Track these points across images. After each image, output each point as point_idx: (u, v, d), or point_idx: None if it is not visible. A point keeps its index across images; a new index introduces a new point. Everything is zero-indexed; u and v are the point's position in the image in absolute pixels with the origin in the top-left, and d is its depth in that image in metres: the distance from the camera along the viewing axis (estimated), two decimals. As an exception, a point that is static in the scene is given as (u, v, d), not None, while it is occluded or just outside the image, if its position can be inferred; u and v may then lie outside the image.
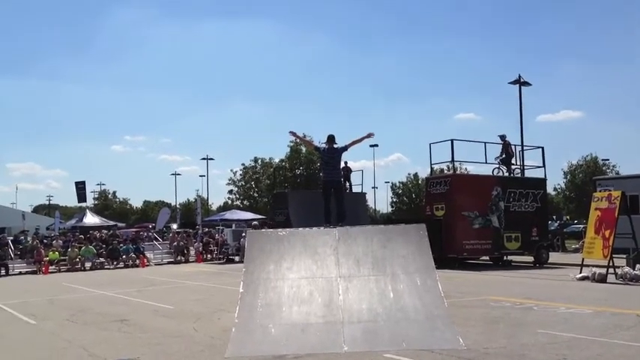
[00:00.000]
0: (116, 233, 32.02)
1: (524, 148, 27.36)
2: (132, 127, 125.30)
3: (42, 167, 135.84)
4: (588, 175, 55.74)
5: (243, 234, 18.33)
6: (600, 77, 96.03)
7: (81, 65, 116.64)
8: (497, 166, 24.49)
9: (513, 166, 25.03)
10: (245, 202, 66.58)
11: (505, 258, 24.16)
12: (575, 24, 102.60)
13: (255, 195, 67.69)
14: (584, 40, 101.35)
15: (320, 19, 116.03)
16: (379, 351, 7.42)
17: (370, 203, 63.53)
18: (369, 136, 10.75)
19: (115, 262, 26.21)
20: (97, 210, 63.42)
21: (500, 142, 24.64)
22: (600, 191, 19.20)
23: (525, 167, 26.34)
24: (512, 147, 25.14)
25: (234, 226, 34.01)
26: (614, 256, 16.88)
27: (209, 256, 30.19)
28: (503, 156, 24.51)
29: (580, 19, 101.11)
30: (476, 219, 22.68)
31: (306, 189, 50.73)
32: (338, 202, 10.51)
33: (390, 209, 77.10)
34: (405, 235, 8.88)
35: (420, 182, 67.52)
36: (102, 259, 26.10)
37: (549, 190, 46.28)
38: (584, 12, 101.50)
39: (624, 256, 17.88)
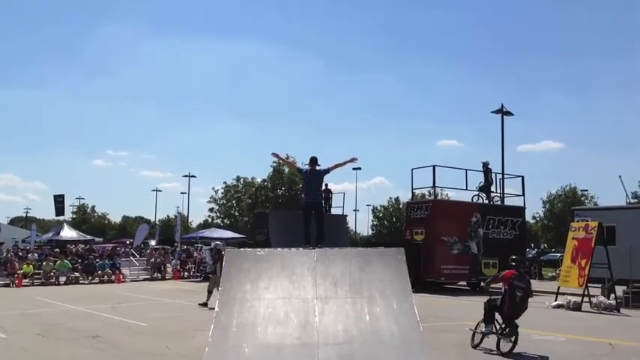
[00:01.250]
0: (92, 248, 31.63)
1: (505, 176, 27.70)
2: (114, 141, 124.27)
3: (21, 179, 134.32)
4: (567, 205, 56.36)
5: (216, 247, 18.30)
6: (581, 110, 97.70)
7: (67, 77, 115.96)
8: (477, 193, 24.72)
9: (493, 194, 25.28)
10: (225, 221, 66.25)
11: (482, 284, 24.24)
12: (558, 55, 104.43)
13: (236, 214, 67.44)
14: (567, 73, 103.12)
15: (309, 41, 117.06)
16: (353, 374, 7.38)
17: (351, 226, 63.63)
18: (353, 160, 10.78)
19: (90, 277, 25.83)
20: (74, 224, 62.55)
21: (482, 168, 24.90)
22: (578, 221, 19.44)
23: (505, 195, 26.63)
24: (493, 174, 25.41)
25: (213, 244, 33.73)
26: (589, 285, 17.06)
27: (186, 273, 29.95)
28: (482, 183, 24.77)
29: (564, 51, 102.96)
30: (455, 244, 22.83)
31: (287, 209, 50.67)
32: (318, 224, 10.51)
33: (370, 232, 77.20)
34: (384, 259, 8.88)
35: (401, 206, 67.75)
36: (77, 274, 25.72)
37: (528, 218, 46.71)
38: (568, 44, 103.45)
39: (599, 285, 18.04)
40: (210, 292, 15.66)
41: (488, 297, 10.35)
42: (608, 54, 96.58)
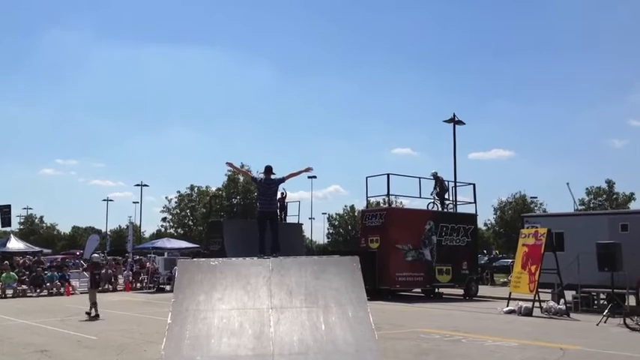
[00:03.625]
0: (41, 259, 30.72)
1: (457, 184, 28.16)
2: (64, 150, 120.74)
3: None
4: (517, 212, 57.59)
5: (93, 259, 18.34)
6: (529, 118, 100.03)
7: (13, 85, 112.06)
8: (433, 200, 25.02)
9: (447, 201, 25.64)
10: (179, 231, 65.43)
11: (436, 290, 24.58)
12: (508, 64, 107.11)
13: (190, 223, 66.67)
14: (515, 81, 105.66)
15: (262, 47, 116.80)
16: (309, 384, 7.34)
17: (307, 234, 63.62)
18: (308, 169, 10.77)
19: (38, 290, 25.04)
20: (22, 235, 60.78)
21: (432, 178, 25.16)
22: (528, 228, 19.84)
23: (457, 203, 27.05)
24: (446, 182, 25.80)
25: (166, 254, 33.24)
26: (539, 290, 17.44)
27: (139, 284, 29.37)
28: (438, 190, 25.08)
29: (513, 59, 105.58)
30: (409, 252, 23.05)
31: (242, 218, 50.36)
32: (273, 234, 10.44)
33: (326, 240, 77.36)
34: (339, 267, 8.87)
35: (356, 214, 68.14)
36: (24, 287, 24.92)
37: (480, 225, 47.55)
38: (518, 54, 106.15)
39: (549, 290, 18.47)
40: (92, 303, 16.37)
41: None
42: (553, 62, 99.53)
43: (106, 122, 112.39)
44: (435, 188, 25.05)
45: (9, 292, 24.17)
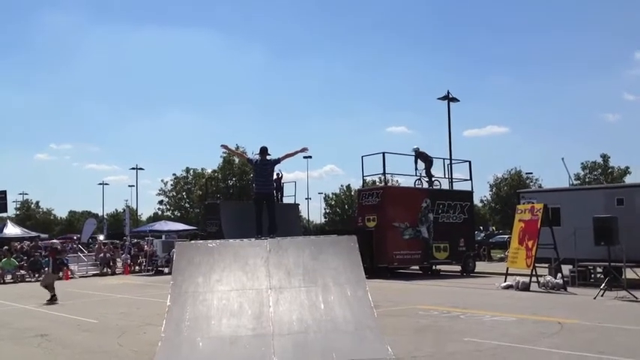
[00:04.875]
0: (38, 245, 30.70)
1: (453, 161, 28.12)
2: (58, 134, 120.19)
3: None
4: (513, 188, 57.70)
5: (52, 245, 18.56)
6: (523, 94, 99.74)
7: (5, 69, 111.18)
8: (419, 177, 24.63)
9: (433, 178, 25.14)
10: (176, 213, 65.42)
11: (434, 267, 24.71)
12: (502, 39, 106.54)
13: (187, 206, 66.66)
14: (510, 58, 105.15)
15: (256, 28, 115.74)
16: (309, 363, 7.39)
17: (304, 214, 63.71)
18: (303, 150, 10.76)
19: (36, 275, 25.07)
20: (18, 220, 60.64)
21: (414, 154, 24.69)
22: (524, 203, 19.89)
23: (453, 180, 27.05)
24: (430, 156, 25.02)
25: (164, 237, 33.27)
26: (536, 265, 17.54)
27: (137, 267, 29.43)
28: (424, 166, 24.60)
29: (508, 34, 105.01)
30: (406, 230, 23.13)
31: (238, 200, 50.38)
32: (270, 214, 10.45)
33: (323, 220, 77.55)
34: (337, 246, 8.91)
35: (352, 193, 68.21)
36: (23, 272, 24.96)
37: (476, 201, 47.71)
38: (512, 29, 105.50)
39: (546, 265, 18.58)
40: (46, 287, 16.25)
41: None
42: (547, 38, 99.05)
43: (99, 106, 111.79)
44: (416, 163, 24.61)
45: (8, 277, 24.20)
